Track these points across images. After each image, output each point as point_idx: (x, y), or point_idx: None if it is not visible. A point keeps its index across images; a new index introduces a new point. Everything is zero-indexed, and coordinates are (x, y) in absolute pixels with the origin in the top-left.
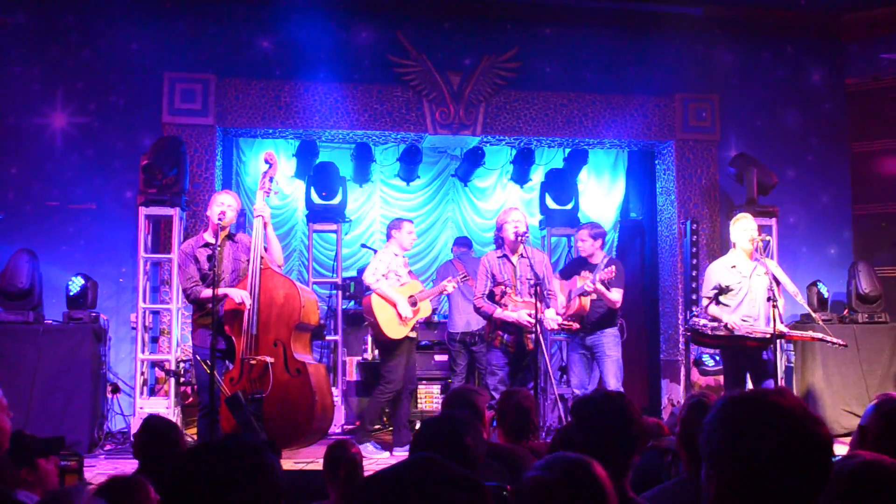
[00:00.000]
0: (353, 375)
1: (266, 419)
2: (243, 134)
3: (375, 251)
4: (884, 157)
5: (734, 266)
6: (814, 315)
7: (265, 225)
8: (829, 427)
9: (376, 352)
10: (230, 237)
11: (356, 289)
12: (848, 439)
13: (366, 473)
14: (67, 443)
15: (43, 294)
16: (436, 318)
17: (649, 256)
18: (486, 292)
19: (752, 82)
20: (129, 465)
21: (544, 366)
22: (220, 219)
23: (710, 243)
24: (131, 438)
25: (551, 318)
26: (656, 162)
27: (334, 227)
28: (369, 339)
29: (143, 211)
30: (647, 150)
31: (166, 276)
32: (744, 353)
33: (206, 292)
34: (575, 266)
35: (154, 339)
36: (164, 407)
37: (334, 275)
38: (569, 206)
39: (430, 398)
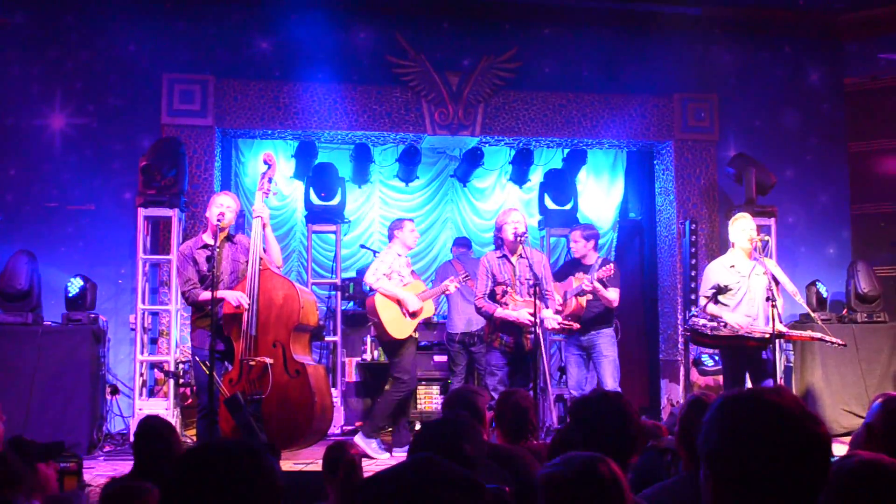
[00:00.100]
0: (352, 376)
1: (265, 420)
2: (242, 135)
3: (375, 252)
4: (882, 157)
5: (733, 266)
6: (813, 315)
7: (264, 226)
8: (828, 426)
9: (375, 353)
10: (229, 238)
11: (355, 290)
12: (847, 439)
13: (365, 474)
14: (66, 444)
15: (42, 295)
16: (435, 319)
17: (648, 256)
18: (487, 292)
19: (750, 82)
20: (128, 467)
21: (543, 366)
22: (218, 220)
23: (709, 243)
24: (130, 440)
25: (552, 317)
26: (655, 162)
27: (333, 227)
28: (368, 339)
29: (141, 212)
30: (645, 150)
31: (165, 277)
32: (743, 352)
33: (205, 295)
34: (568, 268)
35: (153, 341)
36: (164, 408)
37: (333, 276)
38: (568, 207)
39: (429, 399)
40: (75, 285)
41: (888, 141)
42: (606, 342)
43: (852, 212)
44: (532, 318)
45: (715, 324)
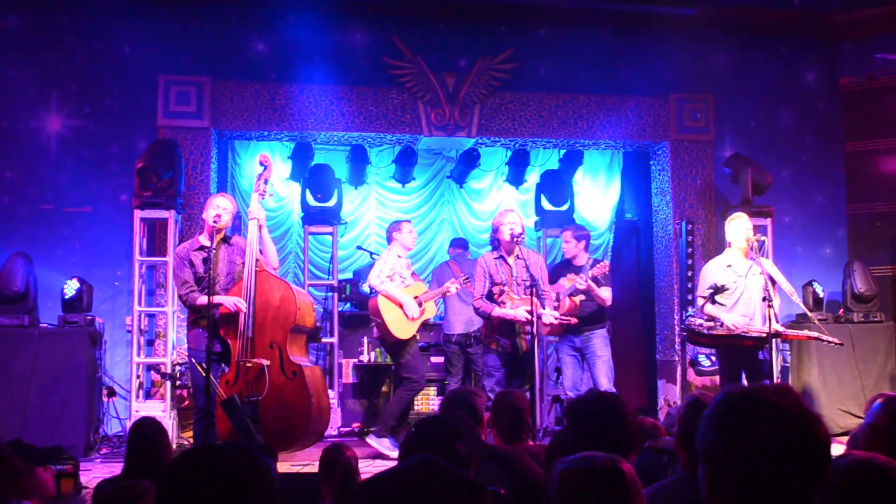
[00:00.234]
0: (349, 377)
1: (262, 422)
2: (238, 136)
3: (371, 253)
4: (878, 157)
5: (730, 265)
6: (809, 314)
7: (260, 227)
8: (826, 427)
9: (372, 354)
10: (225, 240)
11: (352, 291)
12: (844, 439)
13: (363, 476)
14: (63, 447)
15: (38, 297)
16: (432, 321)
17: (645, 257)
18: (485, 293)
19: (746, 82)
20: None
21: (541, 367)
22: (215, 222)
23: (706, 243)
24: None
25: (549, 312)
26: (651, 162)
27: (330, 229)
28: (365, 341)
29: (138, 214)
30: (642, 150)
31: (162, 279)
32: (740, 352)
33: (203, 299)
34: (560, 269)
35: (150, 343)
36: (161, 410)
37: (330, 277)
38: (564, 208)
39: (426, 400)
40: (71, 287)
41: (884, 140)
42: (600, 342)
43: (848, 211)
44: (529, 316)
45: (712, 323)
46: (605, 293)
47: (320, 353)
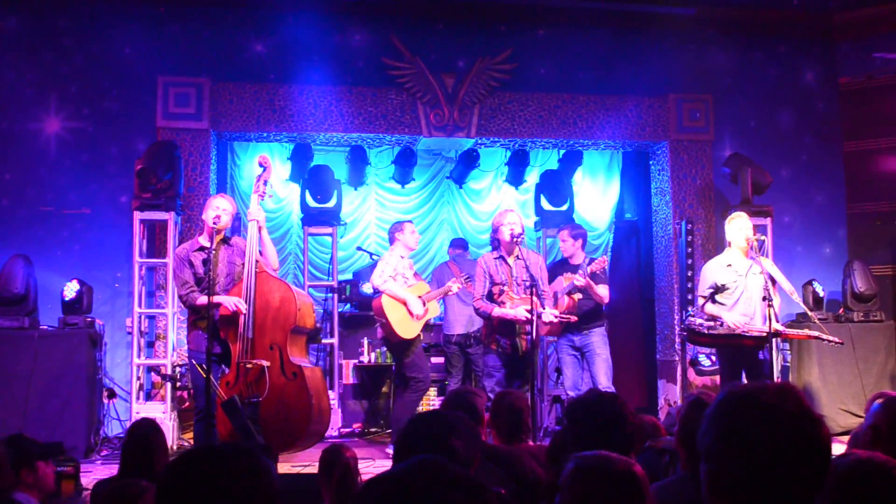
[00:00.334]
0: (349, 378)
1: (262, 423)
2: (238, 138)
3: (371, 254)
4: (878, 156)
5: (730, 265)
6: (810, 313)
7: (260, 229)
8: (828, 427)
9: (372, 355)
10: (225, 241)
11: (352, 292)
12: (845, 438)
13: (363, 477)
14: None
15: (38, 299)
16: (431, 321)
17: (645, 257)
18: (486, 293)
19: (745, 82)
20: None
21: (541, 367)
22: (214, 222)
23: (706, 243)
24: None
25: (549, 311)
26: (651, 162)
27: (329, 230)
28: (365, 342)
29: (137, 215)
30: (641, 150)
31: (162, 280)
32: (740, 352)
33: (202, 299)
34: (557, 268)
35: (150, 344)
36: (161, 412)
37: (330, 278)
38: (564, 208)
39: (426, 400)
40: (71, 289)
41: (883, 140)
42: (599, 341)
43: (848, 211)
44: (529, 316)
45: (712, 323)
46: (603, 290)
47: (320, 354)
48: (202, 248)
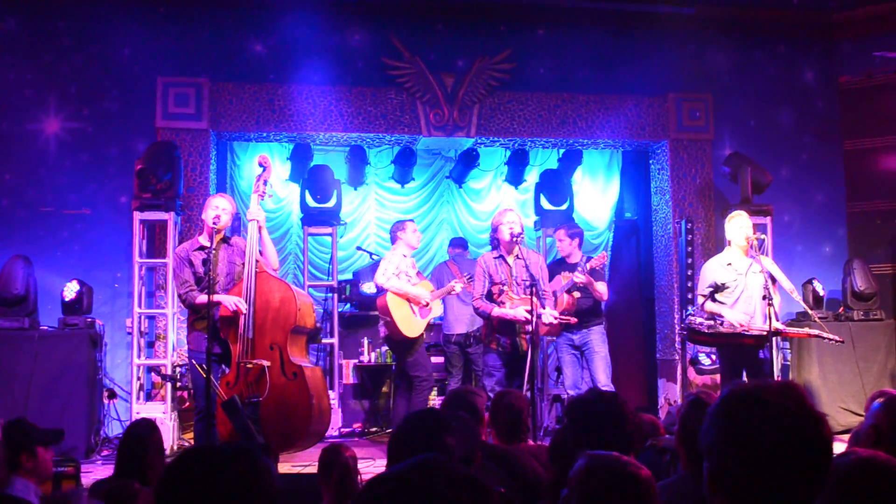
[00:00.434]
0: (349, 378)
1: (263, 423)
2: (237, 138)
3: (371, 254)
4: (877, 155)
5: (730, 263)
6: (810, 312)
7: (260, 229)
8: (829, 426)
9: (372, 355)
10: (225, 240)
11: (352, 291)
12: (846, 437)
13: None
14: (64, 448)
15: (38, 300)
16: (432, 321)
17: (644, 256)
18: (485, 293)
19: (745, 81)
20: None
21: (541, 366)
22: (214, 222)
23: (706, 242)
24: None
25: (549, 311)
26: (651, 162)
27: (329, 230)
28: (366, 341)
29: (137, 216)
30: (641, 149)
31: (161, 280)
32: (740, 351)
33: (202, 298)
34: (554, 267)
35: (150, 344)
36: (161, 412)
37: (330, 278)
38: (563, 207)
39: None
40: (71, 290)
41: (883, 138)
42: (598, 339)
43: (848, 209)
44: (529, 316)
45: (712, 322)
46: (602, 287)
47: (321, 354)
48: (202, 248)
